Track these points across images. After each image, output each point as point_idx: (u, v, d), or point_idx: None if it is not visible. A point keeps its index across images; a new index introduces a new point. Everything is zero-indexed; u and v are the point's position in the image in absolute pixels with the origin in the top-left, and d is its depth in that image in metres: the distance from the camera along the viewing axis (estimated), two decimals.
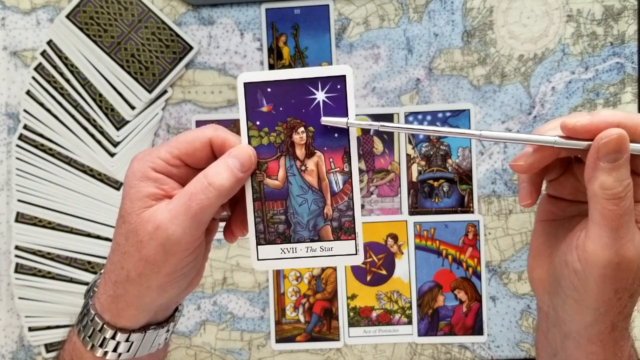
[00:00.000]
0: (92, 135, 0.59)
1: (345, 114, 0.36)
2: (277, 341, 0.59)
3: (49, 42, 0.59)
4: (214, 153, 0.36)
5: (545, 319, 0.40)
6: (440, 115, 0.59)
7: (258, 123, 0.36)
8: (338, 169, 0.36)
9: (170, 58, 0.59)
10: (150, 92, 0.58)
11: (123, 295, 0.35)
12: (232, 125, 0.59)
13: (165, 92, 0.59)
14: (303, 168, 0.36)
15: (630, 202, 0.32)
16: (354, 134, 0.36)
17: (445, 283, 0.59)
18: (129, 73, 0.58)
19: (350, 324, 0.59)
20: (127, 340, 0.36)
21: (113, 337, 0.36)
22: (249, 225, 0.36)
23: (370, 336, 0.59)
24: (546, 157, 0.35)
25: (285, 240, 0.37)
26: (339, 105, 0.36)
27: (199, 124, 0.59)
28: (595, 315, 0.35)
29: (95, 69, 0.58)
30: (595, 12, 0.58)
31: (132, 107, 0.58)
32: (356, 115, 0.58)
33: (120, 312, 0.36)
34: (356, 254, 0.37)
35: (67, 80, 0.59)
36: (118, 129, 0.59)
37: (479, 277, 0.58)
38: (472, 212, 0.58)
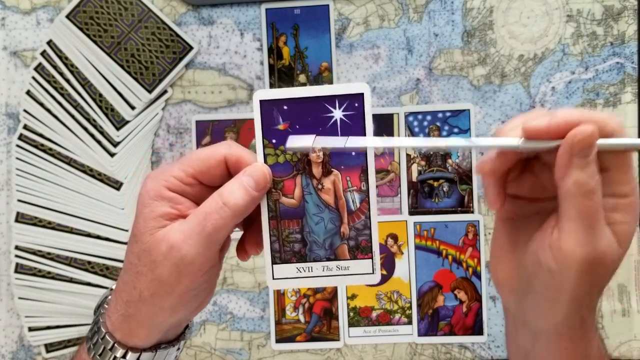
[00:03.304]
0: (92, 135, 0.59)
1: (363, 132, 0.35)
2: (277, 341, 0.59)
3: (49, 42, 0.59)
4: (229, 171, 0.35)
5: (513, 321, 0.39)
6: (440, 115, 0.59)
7: (274, 141, 0.36)
8: (355, 187, 0.36)
9: (170, 58, 0.59)
10: (150, 92, 0.58)
11: (135, 314, 0.35)
12: (232, 125, 0.59)
13: (165, 92, 0.59)
14: (320, 187, 0.36)
15: (601, 198, 0.32)
16: (371, 153, 0.36)
17: (445, 283, 0.59)
18: (129, 73, 0.58)
19: (350, 324, 0.59)
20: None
21: (124, 357, 0.35)
22: (265, 244, 0.36)
23: (370, 336, 0.59)
24: (510, 160, 0.34)
25: (301, 259, 0.36)
26: (356, 124, 0.35)
27: (199, 124, 0.59)
28: (567, 311, 0.35)
29: (95, 69, 0.58)
30: (595, 12, 0.58)
31: (132, 107, 0.58)
32: None
33: (131, 331, 0.35)
34: (373, 272, 0.36)
35: (67, 80, 0.59)
36: (118, 129, 0.59)
37: (479, 277, 0.58)
38: (472, 212, 0.58)
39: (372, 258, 0.36)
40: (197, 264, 0.33)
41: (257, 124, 0.35)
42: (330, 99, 0.35)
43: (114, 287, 0.38)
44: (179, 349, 0.39)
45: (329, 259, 0.36)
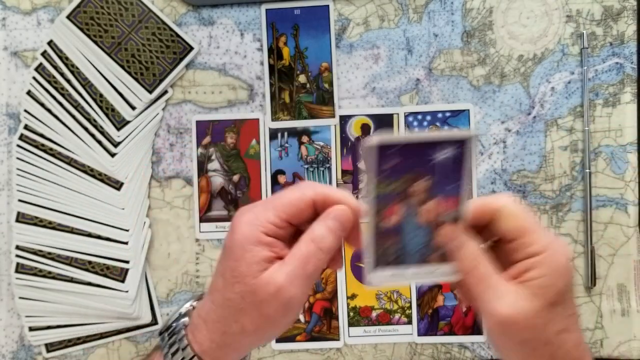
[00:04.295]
0: (93, 136, 0.59)
1: (461, 176, 0.39)
2: (277, 341, 0.59)
3: (50, 43, 0.59)
4: (316, 210, 0.39)
5: None
6: (440, 115, 0.59)
7: (387, 175, 0.40)
8: (452, 211, 0.40)
9: (170, 58, 0.59)
10: (150, 92, 0.58)
11: (232, 344, 0.38)
12: (232, 125, 0.59)
13: (165, 92, 0.59)
14: (417, 211, 0.40)
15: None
16: (465, 187, 0.39)
17: (445, 283, 0.59)
18: (129, 73, 0.58)
19: (350, 324, 0.59)
20: None
21: None
22: (366, 253, 0.40)
23: (370, 336, 0.59)
24: None
25: (397, 263, 0.41)
26: (456, 166, 0.39)
27: (199, 124, 0.59)
28: None
29: (96, 69, 0.58)
30: (594, 13, 0.58)
31: (133, 108, 0.59)
32: (356, 115, 0.59)
33: (222, 357, 0.39)
34: (455, 272, 0.41)
35: (68, 81, 0.59)
36: (118, 129, 0.59)
37: None
38: None
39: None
40: (300, 301, 0.38)
41: (371, 163, 0.40)
42: (435, 145, 0.39)
43: (185, 308, 0.42)
44: None
45: (420, 262, 0.41)
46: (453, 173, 0.40)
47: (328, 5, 0.59)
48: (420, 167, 0.40)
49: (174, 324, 0.41)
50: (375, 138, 0.39)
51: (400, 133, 0.40)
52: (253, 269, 0.37)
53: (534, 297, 0.35)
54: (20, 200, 0.59)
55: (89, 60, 0.58)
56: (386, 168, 0.40)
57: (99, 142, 0.59)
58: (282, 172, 0.59)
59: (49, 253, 0.58)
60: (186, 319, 0.40)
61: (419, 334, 0.59)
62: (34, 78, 0.59)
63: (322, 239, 0.38)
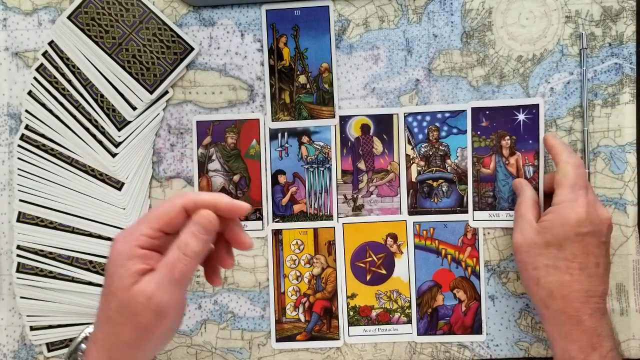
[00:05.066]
0: (94, 136, 0.59)
1: (537, 131, 0.55)
2: (278, 340, 0.60)
3: (51, 43, 0.59)
4: (189, 215, 0.41)
5: None
6: (439, 115, 0.59)
7: (479, 133, 0.57)
8: (530, 163, 0.56)
9: (171, 59, 0.59)
10: (151, 92, 0.59)
11: (119, 359, 0.39)
12: (233, 125, 0.60)
13: (166, 92, 0.60)
14: (507, 162, 0.56)
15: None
16: (541, 142, 0.55)
17: (445, 282, 0.59)
18: (130, 74, 0.59)
19: (350, 323, 0.59)
20: None
21: None
22: (469, 197, 0.56)
23: (370, 335, 0.59)
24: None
25: (492, 208, 0.56)
26: (533, 123, 0.55)
27: (200, 124, 0.60)
28: (526, 288, 0.53)
29: (97, 69, 0.59)
30: (593, 13, 0.58)
31: (134, 108, 0.59)
32: (356, 115, 0.59)
33: None
34: None
35: (69, 81, 0.59)
36: (119, 129, 0.59)
37: (477, 276, 0.59)
38: None
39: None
40: (172, 306, 0.39)
41: (468, 122, 0.57)
42: (516, 108, 0.56)
43: (82, 335, 0.44)
44: None
45: (510, 209, 0.56)
46: (530, 133, 0.55)
47: (328, 6, 0.59)
48: (503, 127, 0.55)
49: (73, 352, 0.43)
50: (470, 103, 0.55)
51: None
52: (126, 283, 0.38)
53: (538, 233, 0.49)
54: (21, 200, 0.59)
55: (89, 61, 0.59)
56: (480, 125, 0.55)
57: (100, 142, 0.59)
58: (282, 172, 0.60)
59: (50, 253, 0.59)
60: (84, 345, 0.43)
61: (419, 334, 0.59)
62: (35, 78, 0.59)
63: (186, 245, 0.39)
